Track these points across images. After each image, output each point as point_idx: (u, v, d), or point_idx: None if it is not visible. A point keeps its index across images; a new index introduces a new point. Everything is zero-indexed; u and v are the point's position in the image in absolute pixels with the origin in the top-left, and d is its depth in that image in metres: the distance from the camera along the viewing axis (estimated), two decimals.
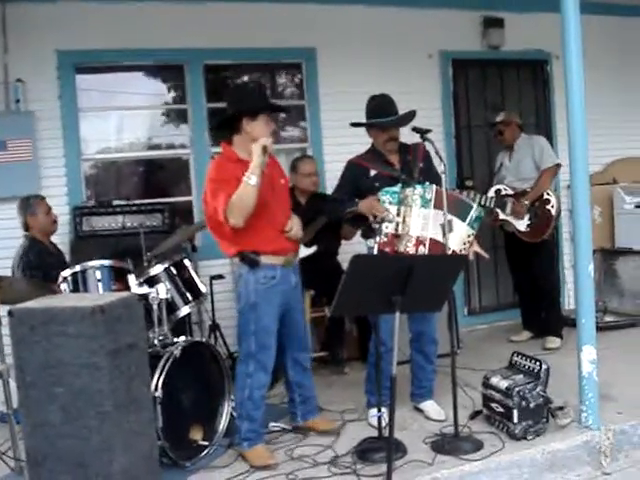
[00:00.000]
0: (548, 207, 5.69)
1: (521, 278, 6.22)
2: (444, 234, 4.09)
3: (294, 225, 4.06)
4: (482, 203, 5.32)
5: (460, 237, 4.21)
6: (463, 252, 4.23)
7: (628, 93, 7.44)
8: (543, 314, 6.10)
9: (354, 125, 4.54)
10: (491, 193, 5.80)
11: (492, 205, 5.65)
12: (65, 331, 3.00)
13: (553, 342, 5.86)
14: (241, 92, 4.28)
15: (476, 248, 4.36)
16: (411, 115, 4.44)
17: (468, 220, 4.24)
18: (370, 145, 4.57)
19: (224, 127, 4.09)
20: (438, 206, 4.16)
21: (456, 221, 4.20)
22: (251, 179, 3.74)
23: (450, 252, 4.12)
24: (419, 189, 4.21)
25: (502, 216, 5.75)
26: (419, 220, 4.19)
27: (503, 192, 5.83)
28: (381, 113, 4.39)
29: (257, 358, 3.97)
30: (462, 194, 4.87)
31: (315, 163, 5.88)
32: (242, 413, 4.01)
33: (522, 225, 5.73)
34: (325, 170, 6.23)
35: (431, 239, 4.19)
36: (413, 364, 4.61)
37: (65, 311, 3.04)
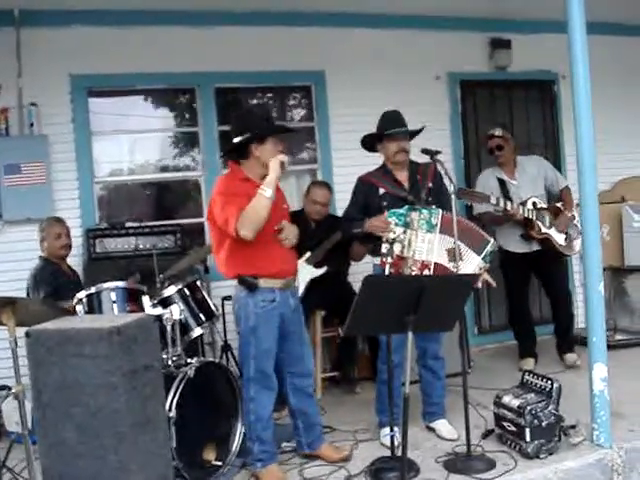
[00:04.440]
0: (575, 222, 5.69)
1: (527, 300, 6.11)
2: (452, 259, 4.14)
3: (287, 228, 4.01)
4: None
5: (472, 269, 4.22)
6: None
7: (635, 112, 7.46)
8: (563, 331, 6.00)
9: (365, 141, 4.59)
10: (529, 205, 5.59)
11: (534, 217, 5.54)
12: (82, 352, 3.02)
13: (575, 358, 5.82)
14: (247, 118, 4.22)
15: (485, 277, 4.38)
16: (420, 129, 4.54)
17: (483, 254, 4.27)
18: (381, 163, 4.62)
19: (233, 153, 4.13)
20: (444, 231, 4.20)
21: (470, 252, 4.24)
22: (267, 191, 3.76)
23: None
24: (425, 213, 4.24)
25: (544, 230, 5.59)
26: (424, 245, 4.22)
27: (539, 205, 5.65)
28: (392, 125, 4.45)
29: (257, 381, 3.96)
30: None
31: (329, 192, 5.77)
32: (252, 436, 4.02)
33: (561, 238, 5.67)
34: (335, 191, 6.25)
35: (436, 263, 4.22)
36: (422, 380, 4.64)
37: (82, 332, 3.07)
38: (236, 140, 4.00)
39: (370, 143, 4.61)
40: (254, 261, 3.90)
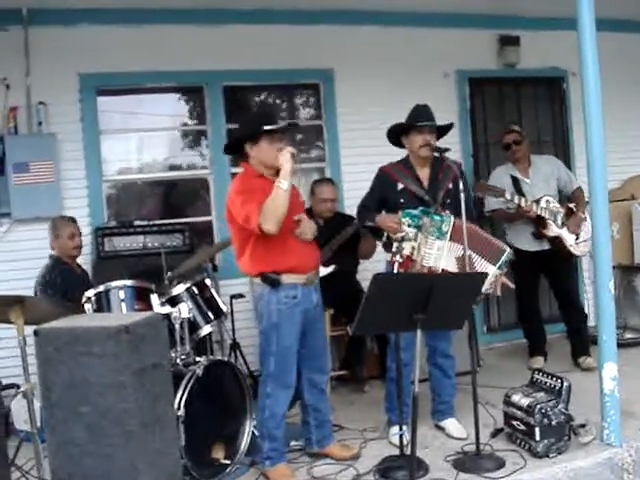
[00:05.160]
0: (586, 224, 5.63)
1: (536, 299, 6.06)
2: (462, 268, 4.10)
3: (304, 221, 4.01)
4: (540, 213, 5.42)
5: (487, 279, 4.13)
6: (490, 291, 4.23)
7: None
8: (573, 332, 5.88)
9: (391, 134, 4.54)
10: (543, 203, 5.51)
11: (546, 215, 5.49)
12: (90, 351, 3.02)
13: (590, 361, 5.59)
14: (243, 119, 4.27)
15: (503, 280, 4.33)
16: (449, 125, 4.53)
17: (499, 264, 4.22)
18: (404, 157, 4.56)
19: (236, 153, 4.12)
20: (455, 239, 4.18)
21: (483, 262, 4.19)
22: (282, 184, 3.75)
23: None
24: (437, 220, 4.20)
25: (555, 229, 5.55)
26: (432, 251, 4.19)
27: (552, 204, 5.59)
28: (422, 118, 4.41)
29: (276, 378, 3.97)
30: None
31: (334, 187, 5.80)
32: (263, 432, 4.02)
33: (572, 239, 5.60)
34: (344, 189, 6.26)
35: (443, 270, 4.19)
36: (431, 378, 4.62)
37: (90, 331, 3.07)
38: (231, 140, 4.03)
39: (396, 136, 4.54)
40: (275, 256, 3.90)
